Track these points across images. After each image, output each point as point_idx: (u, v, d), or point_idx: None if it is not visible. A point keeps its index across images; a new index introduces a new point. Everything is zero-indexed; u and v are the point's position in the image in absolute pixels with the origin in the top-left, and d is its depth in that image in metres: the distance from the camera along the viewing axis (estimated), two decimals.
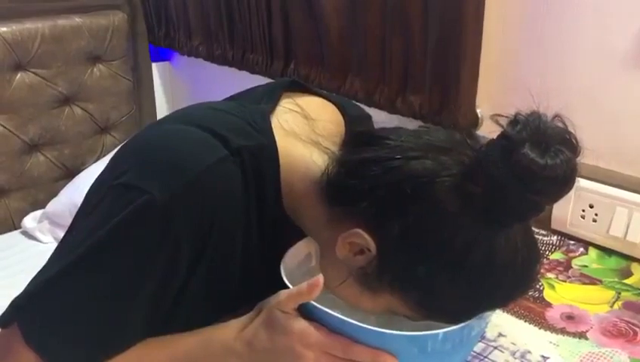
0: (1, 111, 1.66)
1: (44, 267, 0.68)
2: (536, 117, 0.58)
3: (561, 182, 0.56)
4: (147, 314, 0.65)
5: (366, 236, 0.62)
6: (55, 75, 1.73)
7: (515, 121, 0.58)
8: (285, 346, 0.63)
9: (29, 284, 0.67)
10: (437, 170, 0.60)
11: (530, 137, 0.56)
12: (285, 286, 0.67)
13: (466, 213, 0.59)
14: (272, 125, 0.70)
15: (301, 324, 0.62)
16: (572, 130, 0.58)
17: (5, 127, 1.68)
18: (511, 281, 0.63)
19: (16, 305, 0.66)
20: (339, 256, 0.65)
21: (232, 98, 0.81)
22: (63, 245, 0.71)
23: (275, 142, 0.69)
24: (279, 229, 0.72)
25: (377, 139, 0.65)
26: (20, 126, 1.70)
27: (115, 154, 0.72)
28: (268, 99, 0.75)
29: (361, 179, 0.63)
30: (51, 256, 0.69)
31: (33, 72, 1.69)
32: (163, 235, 0.62)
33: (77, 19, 1.75)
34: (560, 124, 0.59)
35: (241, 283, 0.71)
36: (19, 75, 1.67)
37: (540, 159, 0.54)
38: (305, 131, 0.72)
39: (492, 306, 0.65)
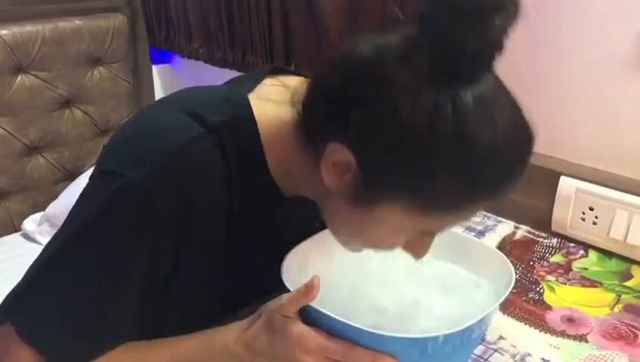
0: (2, 114, 1.66)
1: (32, 264, 0.68)
2: None
3: (493, 6, 0.54)
4: (138, 299, 0.66)
5: (341, 147, 0.60)
6: (55, 78, 1.73)
7: None
8: (284, 351, 0.62)
9: (18, 282, 0.67)
10: (380, 48, 0.59)
11: None
12: (286, 289, 0.67)
13: (419, 79, 0.56)
14: (250, 99, 0.71)
15: (301, 329, 0.62)
16: None
17: (5, 130, 1.68)
18: (497, 158, 0.58)
19: (7, 302, 0.66)
20: (329, 185, 0.63)
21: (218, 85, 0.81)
22: (51, 238, 0.71)
23: (252, 112, 0.69)
24: (271, 200, 0.72)
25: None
26: (20, 128, 1.70)
27: (103, 146, 0.73)
28: (249, 80, 0.75)
29: (319, 96, 0.63)
30: (40, 253, 0.69)
31: (33, 75, 1.69)
32: (142, 216, 0.63)
33: (77, 22, 1.75)
34: None
35: (236, 261, 0.71)
36: (19, 77, 1.67)
37: None
38: (282, 97, 0.71)
39: (486, 190, 0.60)
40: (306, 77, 0.78)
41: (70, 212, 0.71)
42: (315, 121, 0.64)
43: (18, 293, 0.66)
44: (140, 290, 0.65)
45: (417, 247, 0.69)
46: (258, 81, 0.74)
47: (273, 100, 0.71)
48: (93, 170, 0.69)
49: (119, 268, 0.64)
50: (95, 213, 0.63)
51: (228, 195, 0.68)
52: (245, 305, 0.74)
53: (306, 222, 0.80)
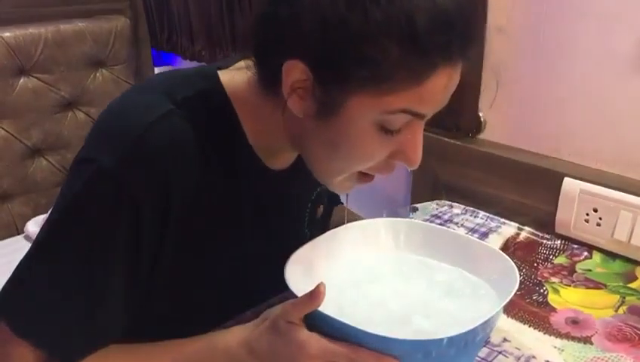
0: (4, 116, 1.66)
1: (21, 259, 0.69)
2: None
3: None
4: (128, 281, 0.66)
5: (291, 62, 0.61)
6: (58, 80, 1.73)
7: None
8: (288, 356, 0.62)
9: (8, 279, 0.68)
10: None
11: None
12: (290, 293, 0.66)
13: None
14: (219, 73, 0.71)
15: (304, 335, 0.62)
16: None
17: (8, 132, 1.68)
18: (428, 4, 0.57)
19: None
20: (298, 113, 0.64)
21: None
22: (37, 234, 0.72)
23: (220, 83, 0.70)
24: (255, 172, 0.72)
25: None
26: (23, 130, 1.70)
27: None
28: (223, 61, 0.76)
29: (259, 30, 0.65)
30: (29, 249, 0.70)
31: (36, 77, 1.69)
32: (117, 199, 0.63)
33: (80, 24, 1.75)
34: None
35: (223, 236, 0.71)
36: (22, 79, 1.67)
37: None
38: (246, 63, 0.71)
39: (428, 37, 0.58)
40: None
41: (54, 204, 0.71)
42: (264, 58, 0.65)
43: (8, 290, 0.67)
44: (127, 272, 0.65)
45: (407, 149, 0.66)
46: (233, 62, 0.75)
47: (237, 68, 0.72)
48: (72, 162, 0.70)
49: (102, 253, 0.64)
50: (71, 202, 0.64)
51: (205, 169, 0.68)
52: (242, 291, 0.74)
53: (293, 205, 0.80)
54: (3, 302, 0.67)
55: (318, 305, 0.62)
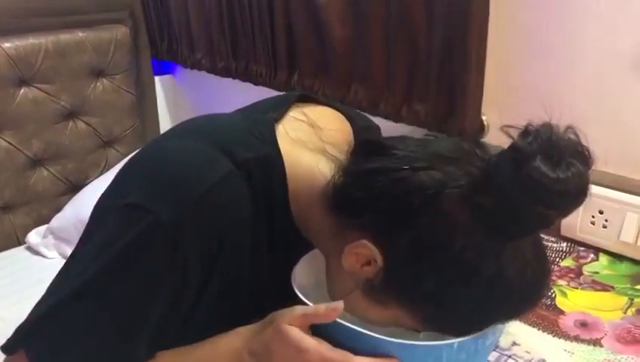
0: (5, 127, 1.66)
1: (48, 291, 0.67)
2: (547, 128, 0.56)
3: (573, 195, 0.55)
4: (157, 332, 0.64)
5: (372, 247, 0.61)
6: (58, 90, 1.73)
7: (526, 132, 0.56)
8: (287, 361, 0.62)
9: (33, 309, 0.66)
10: (445, 181, 0.59)
11: (541, 150, 0.54)
12: (296, 298, 0.66)
13: (475, 225, 0.58)
14: (278, 134, 0.69)
15: (307, 342, 0.61)
16: (584, 143, 0.57)
17: (9, 143, 1.67)
18: (521, 294, 0.62)
19: (23, 331, 0.65)
20: (345, 267, 0.64)
21: (240, 110, 0.80)
22: (67, 268, 0.69)
23: (279, 151, 0.68)
24: (289, 240, 0.71)
25: (384, 148, 0.64)
26: (24, 141, 1.70)
27: (120, 171, 0.71)
28: (274, 109, 0.74)
29: (367, 189, 0.62)
30: (55, 279, 0.68)
31: (37, 87, 1.69)
32: (172, 258, 0.61)
33: (80, 34, 1.75)
34: (572, 136, 0.57)
35: (252, 296, 0.70)
36: (22, 90, 1.67)
37: (551, 173, 0.53)
38: (312, 139, 0.71)
39: (502, 319, 0.64)
40: (329, 106, 0.78)
41: (84, 238, 0.69)
42: (353, 206, 0.64)
43: (36, 324, 0.64)
44: (160, 327, 0.64)
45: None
46: (282, 109, 0.73)
47: (303, 143, 0.70)
48: (112, 198, 0.67)
49: (144, 307, 0.63)
50: (123, 251, 0.61)
51: (254, 236, 0.67)
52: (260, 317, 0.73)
53: None
54: (30, 333, 0.64)
55: (330, 320, 0.61)
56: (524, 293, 0.62)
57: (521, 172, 0.54)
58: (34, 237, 1.70)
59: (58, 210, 1.73)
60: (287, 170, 0.68)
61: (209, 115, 0.75)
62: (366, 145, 0.68)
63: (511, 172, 0.55)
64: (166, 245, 0.61)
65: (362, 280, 0.64)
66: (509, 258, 0.59)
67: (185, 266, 0.62)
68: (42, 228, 1.72)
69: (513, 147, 0.56)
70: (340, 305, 0.61)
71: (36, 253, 1.67)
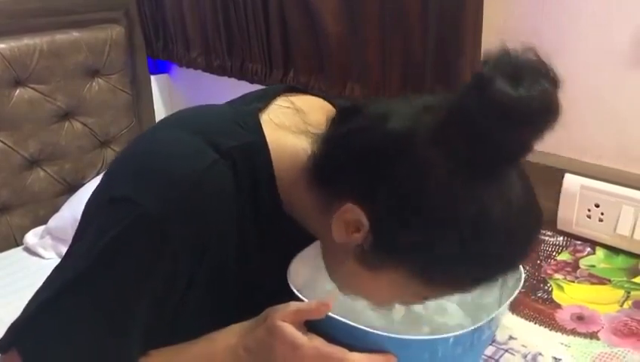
0: (1, 128, 1.66)
1: (41, 289, 0.67)
2: (505, 51, 0.56)
3: (539, 113, 0.54)
4: (148, 327, 0.65)
5: (357, 209, 0.60)
6: (54, 90, 1.73)
7: (485, 60, 0.56)
8: (282, 357, 0.62)
9: (25, 307, 0.66)
10: (415, 126, 0.58)
11: (501, 71, 0.54)
12: (293, 295, 0.66)
13: (451, 164, 0.56)
14: (262, 121, 0.69)
15: (300, 338, 0.61)
16: (547, 62, 0.56)
17: (5, 143, 1.67)
18: (509, 236, 0.59)
19: (14, 329, 0.65)
20: (336, 240, 0.63)
21: (227, 103, 0.80)
22: (60, 265, 0.69)
23: (264, 136, 0.68)
24: (278, 226, 0.71)
25: (357, 108, 0.64)
26: (20, 142, 1.69)
27: (109, 166, 0.71)
28: (260, 99, 0.74)
29: (343, 151, 0.62)
30: (48, 277, 0.68)
31: (32, 88, 1.69)
32: (160, 250, 0.61)
33: (75, 34, 1.75)
34: (532, 56, 0.56)
35: (243, 288, 0.70)
36: (18, 90, 1.67)
37: (513, 92, 0.53)
38: (295, 122, 0.70)
39: (496, 266, 0.62)
40: (316, 95, 0.78)
41: (77, 235, 0.69)
42: (334, 173, 0.64)
43: (27, 321, 0.64)
44: (150, 319, 0.64)
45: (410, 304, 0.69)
46: (269, 101, 0.73)
47: (287, 127, 0.70)
48: (102, 193, 0.67)
49: (133, 299, 0.63)
50: (111, 244, 0.61)
51: (241, 223, 0.67)
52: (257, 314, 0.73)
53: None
54: (21, 332, 0.65)
55: (322, 315, 0.61)
56: (512, 235, 0.59)
57: (484, 97, 0.53)
58: (31, 237, 1.70)
59: (55, 210, 1.73)
60: (272, 155, 0.68)
61: (196, 106, 0.75)
62: (341, 111, 0.68)
63: (475, 100, 0.54)
64: (154, 237, 0.61)
65: (355, 250, 0.63)
66: (492, 198, 0.57)
67: (174, 258, 0.62)
68: (39, 229, 1.72)
69: (474, 76, 0.55)
70: (330, 301, 0.61)
71: (34, 253, 1.67)
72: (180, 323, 0.68)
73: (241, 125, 0.68)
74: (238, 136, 0.67)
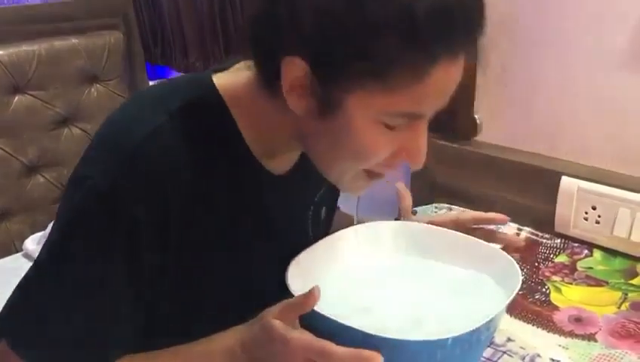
0: (0, 134, 1.66)
1: (22, 278, 0.69)
2: None
3: None
4: (132, 298, 0.65)
5: (289, 59, 0.60)
6: (53, 97, 1.73)
7: None
8: (274, 354, 0.62)
9: (9, 298, 0.67)
10: None
11: None
12: (290, 295, 0.66)
13: None
14: (216, 79, 0.70)
15: (292, 333, 0.61)
16: None
17: (4, 150, 1.67)
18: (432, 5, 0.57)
19: (0, 320, 0.66)
20: (299, 112, 0.64)
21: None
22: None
23: (215, 87, 0.69)
24: (258, 179, 0.72)
25: None
26: (19, 148, 1.70)
27: None
28: (220, 65, 0.75)
29: (256, 27, 0.64)
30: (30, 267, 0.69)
31: (31, 94, 1.69)
32: (114, 216, 0.62)
33: (73, 40, 1.75)
34: None
35: (228, 241, 0.71)
36: (16, 97, 1.67)
37: None
38: (247, 66, 0.70)
39: (430, 34, 0.58)
40: None
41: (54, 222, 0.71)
42: (262, 57, 0.65)
43: (10, 309, 0.66)
44: (129, 287, 0.65)
45: (410, 148, 0.66)
46: (227, 66, 0.74)
47: (239, 71, 0.71)
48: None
49: (102, 270, 0.64)
50: (69, 221, 0.64)
51: (203, 178, 0.67)
52: (249, 294, 0.73)
53: (295, 207, 0.80)
54: (4, 320, 0.66)
55: (311, 307, 0.62)
56: (441, 6, 0.57)
57: None
58: (31, 244, 1.70)
59: (54, 216, 1.73)
60: (227, 101, 0.69)
61: (160, 80, 0.76)
62: None
63: None
64: (106, 208, 0.62)
65: (315, 106, 0.62)
66: None
67: (130, 221, 0.62)
68: (39, 235, 1.72)
69: None
70: (315, 291, 0.61)
71: (33, 259, 1.67)
72: (176, 291, 0.69)
73: (193, 86, 0.70)
74: (187, 96, 0.68)
